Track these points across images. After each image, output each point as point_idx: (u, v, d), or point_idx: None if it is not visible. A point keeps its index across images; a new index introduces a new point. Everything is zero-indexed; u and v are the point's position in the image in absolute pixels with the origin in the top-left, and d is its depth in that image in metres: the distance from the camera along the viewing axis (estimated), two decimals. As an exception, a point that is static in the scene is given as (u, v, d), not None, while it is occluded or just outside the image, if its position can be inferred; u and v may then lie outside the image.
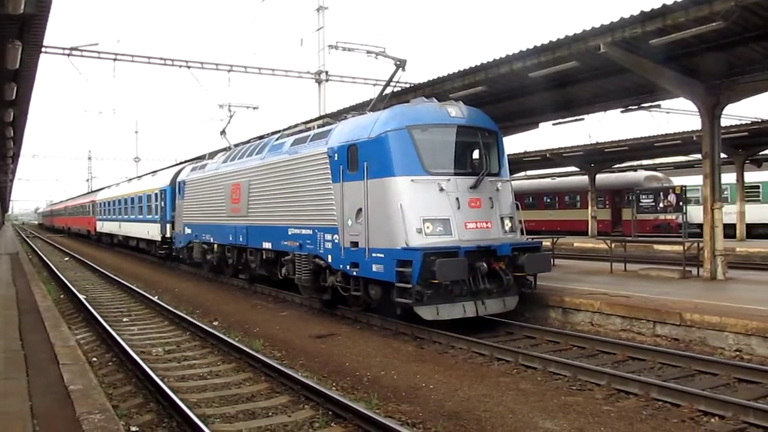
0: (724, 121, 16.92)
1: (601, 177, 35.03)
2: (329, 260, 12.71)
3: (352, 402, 7.04)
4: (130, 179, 42.44)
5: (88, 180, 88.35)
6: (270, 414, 7.22)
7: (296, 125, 16.70)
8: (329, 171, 12.72)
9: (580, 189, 36.52)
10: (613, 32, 11.56)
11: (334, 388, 8.14)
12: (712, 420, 6.83)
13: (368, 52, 13.70)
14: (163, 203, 25.85)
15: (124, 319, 13.78)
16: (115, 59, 25.34)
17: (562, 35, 12.16)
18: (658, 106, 21.99)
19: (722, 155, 16.12)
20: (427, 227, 10.87)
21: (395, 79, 13.85)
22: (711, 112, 13.99)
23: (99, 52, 25.09)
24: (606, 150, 29.93)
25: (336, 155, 12.50)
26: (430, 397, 7.75)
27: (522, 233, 12.36)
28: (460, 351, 10.21)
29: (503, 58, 13.41)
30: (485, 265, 10.87)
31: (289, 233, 14.39)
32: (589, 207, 34.02)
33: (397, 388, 8.15)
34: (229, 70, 27.56)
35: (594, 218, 33.78)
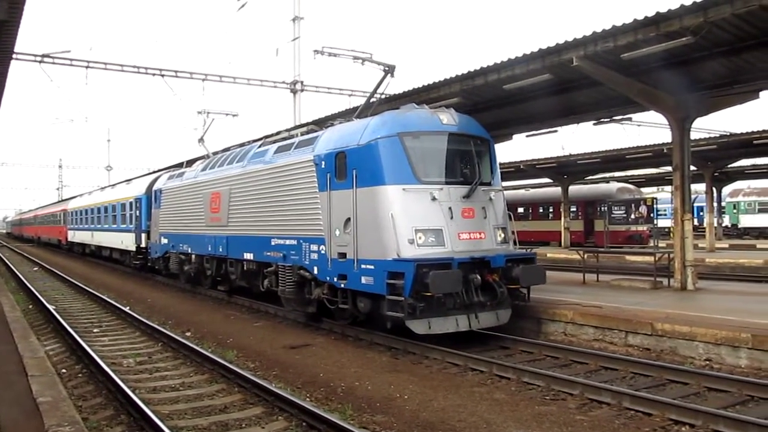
0: (694, 135, 17.21)
1: (574, 188, 35.47)
2: (315, 272, 12.34)
3: (326, 413, 7.00)
4: (104, 188, 41.91)
5: (58, 189, 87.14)
6: (243, 425, 7.15)
7: (278, 132, 16.47)
8: (316, 179, 12.37)
9: (554, 200, 36.90)
10: (586, 46, 11.73)
11: (308, 398, 8.09)
12: (683, 429, 6.92)
13: (354, 57, 13.27)
14: (138, 212, 25.39)
15: (95, 330, 13.57)
16: (87, 67, 25.09)
17: (535, 48, 12.33)
18: (630, 119, 22.40)
19: (692, 168, 16.39)
20: (419, 238, 10.55)
21: (383, 85, 13.39)
22: (681, 126, 14.22)
23: (71, 60, 24.83)
24: (579, 162, 30.35)
25: (323, 163, 12.16)
26: (405, 408, 7.74)
27: (515, 244, 12.11)
28: (434, 361, 10.21)
29: (477, 70, 13.54)
30: (479, 277, 10.65)
31: (273, 244, 13.98)
32: (562, 218, 34.40)
33: (372, 399, 8.12)
34: (203, 79, 27.44)
35: (567, 229, 34.16)
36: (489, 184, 11.94)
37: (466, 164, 11.89)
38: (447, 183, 11.22)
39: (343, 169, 11.61)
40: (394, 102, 15.02)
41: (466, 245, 10.97)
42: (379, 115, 11.98)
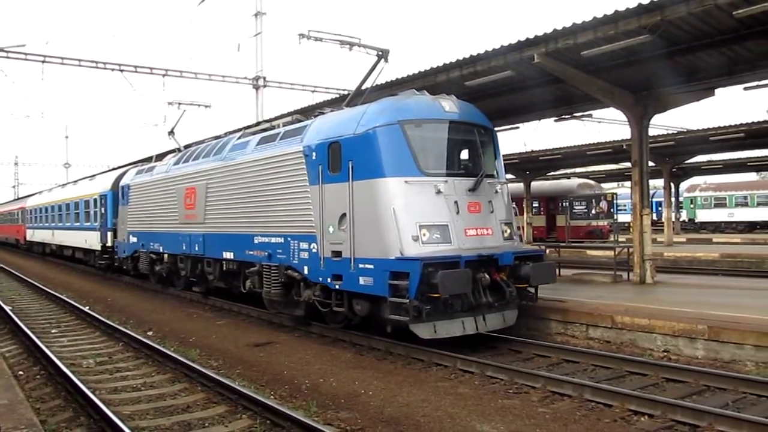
0: (652, 131, 17.57)
1: (536, 184, 35.84)
2: (305, 272, 11.52)
3: (290, 410, 6.99)
4: (65, 184, 40.86)
5: (14, 186, 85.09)
6: (206, 425, 7.09)
7: (258, 123, 15.91)
8: (306, 172, 11.50)
9: (516, 196, 37.21)
10: (547, 43, 11.84)
11: (272, 396, 8.05)
12: (642, 419, 7.05)
13: (342, 42, 12.19)
14: (103, 209, 24.39)
15: (53, 331, 13.31)
16: (43, 61, 24.42)
17: (497, 45, 12.41)
18: (590, 115, 22.74)
19: (650, 163, 16.71)
20: (424, 234, 9.80)
21: (377, 71, 12.50)
22: (639, 122, 14.49)
23: (26, 54, 24.14)
24: (540, 158, 30.66)
25: (314, 154, 11.30)
26: (370, 404, 7.76)
27: (521, 240, 11.42)
28: (398, 357, 10.24)
29: (440, 67, 13.59)
30: (487, 276, 10.02)
31: (256, 242, 13.06)
32: (525, 213, 34.74)
33: (337, 396, 8.12)
34: (164, 75, 26.93)
35: (529, 224, 34.51)
36: (494, 176, 11.32)
37: (470, 155, 11.30)
38: (451, 175, 10.54)
39: (338, 161, 10.77)
40: (359, 99, 14.92)
41: (472, 242, 10.29)
42: (376, 102, 11.17)
